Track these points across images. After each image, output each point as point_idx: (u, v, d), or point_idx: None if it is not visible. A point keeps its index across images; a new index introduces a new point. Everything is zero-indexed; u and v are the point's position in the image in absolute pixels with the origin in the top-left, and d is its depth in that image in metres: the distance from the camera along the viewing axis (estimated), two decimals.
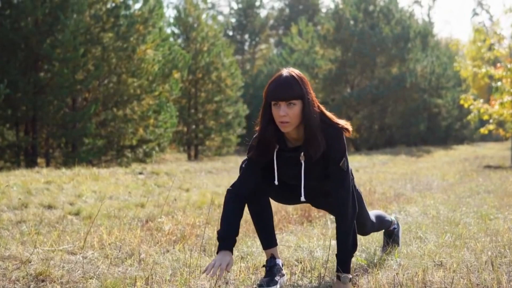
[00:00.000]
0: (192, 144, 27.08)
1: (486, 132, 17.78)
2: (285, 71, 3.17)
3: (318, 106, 3.23)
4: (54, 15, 17.16)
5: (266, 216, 3.45)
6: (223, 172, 13.57)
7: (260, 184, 3.35)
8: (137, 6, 19.71)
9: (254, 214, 3.49)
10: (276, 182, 3.29)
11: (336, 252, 3.25)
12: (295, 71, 3.17)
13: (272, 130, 3.19)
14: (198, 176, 12.37)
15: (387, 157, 20.15)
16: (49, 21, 17.21)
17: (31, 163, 16.57)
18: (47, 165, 17.27)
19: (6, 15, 17.21)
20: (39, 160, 18.38)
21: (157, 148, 20.24)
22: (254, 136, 3.33)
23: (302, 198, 3.32)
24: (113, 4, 18.75)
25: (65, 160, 17.41)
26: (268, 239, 3.48)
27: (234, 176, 11.95)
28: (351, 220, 3.23)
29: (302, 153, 3.21)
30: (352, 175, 3.40)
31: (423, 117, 33.80)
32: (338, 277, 3.18)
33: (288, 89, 3.08)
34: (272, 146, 3.24)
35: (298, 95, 3.10)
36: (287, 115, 3.07)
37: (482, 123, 24.61)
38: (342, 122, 3.26)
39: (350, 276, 3.17)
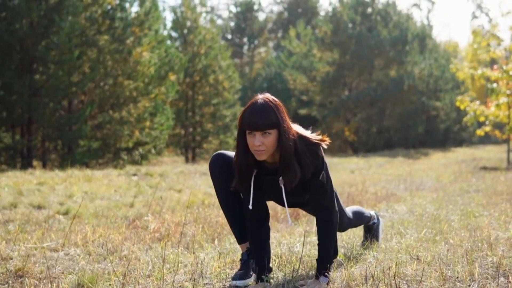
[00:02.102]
0: (190, 147, 27.11)
1: (483, 133, 17.78)
2: (260, 98, 3.06)
3: (293, 129, 3.14)
4: (49, 17, 17.21)
5: (238, 210, 3.44)
6: None
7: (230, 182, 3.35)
8: (134, 9, 19.79)
9: (227, 209, 3.50)
10: (250, 207, 3.25)
11: (316, 257, 3.26)
12: (270, 98, 3.07)
13: (249, 158, 3.14)
14: (192, 177, 12.34)
15: (384, 159, 20.16)
16: (44, 23, 17.25)
17: (27, 166, 16.58)
18: (43, 167, 17.28)
19: (1, 18, 17.25)
20: (35, 162, 18.40)
21: (153, 151, 20.26)
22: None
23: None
24: (109, 7, 18.78)
25: (61, 163, 17.41)
26: (242, 233, 3.48)
27: None
28: (335, 227, 3.27)
29: (281, 177, 3.17)
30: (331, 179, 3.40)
31: (421, 120, 33.80)
32: (317, 277, 3.20)
33: (263, 118, 2.98)
34: (250, 172, 3.21)
35: (273, 124, 3.00)
36: (262, 144, 3.01)
37: (480, 125, 24.58)
38: (317, 137, 3.20)
39: (328, 280, 3.18)
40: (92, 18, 18.24)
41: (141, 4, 19.49)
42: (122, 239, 4.63)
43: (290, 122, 3.12)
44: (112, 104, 19.16)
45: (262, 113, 2.99)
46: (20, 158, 17.98)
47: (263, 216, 3.40)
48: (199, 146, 27.31)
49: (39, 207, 6.87)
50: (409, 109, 32.41)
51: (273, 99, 3.07)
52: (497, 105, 16.45)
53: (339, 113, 31.38)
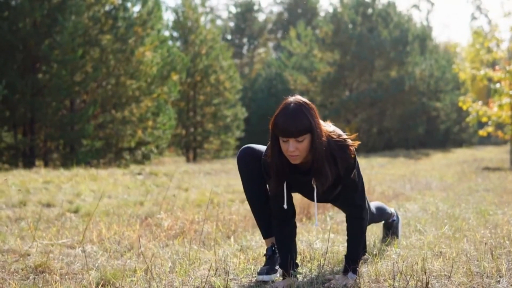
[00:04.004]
0: (191, 147, 27.08)
1: (485, 134, 17.80)
2: (292, 101, 2.97)
3: (325, 131, 3.08)
4: (52, 17, 17.18)
5: (266, 204, 3.42)
6: (221, 173, 13.58)
7: (261, 177, 3.34)
8: (136, 8, 19.76)
9: (254, 203, 3.47)
10: (285, 206, 3.23)
11: (345, 253, 3.27)
12: (301, 100, 2.98)
13: (284, 161, 3.10)
14: (197, 177, 12.36)
15: (385, 160, 20.16)
16: (47, 23, 17.23)
17: (29, 165, 16.54)
18: (46, 167, 17.23)
19: (4, 17, 17.21)
20: (37, 162, 18.35)
21: (155, 150, 20.23)
22: (264, 158, 3.26)
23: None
24: (112, 6, 18.78)
25: (64, 162, 17.40)
26: (268, 228, 3.46)
27: (233, 177, 11.96)
28: (365, 224, 3.29)
29: (313, 179, 3.14)
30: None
31: (422, 120, 33.83)
32: (345, 273, 3.18)
33: (297, 125, 2.90)
34: (285, 174, 3.17)
35: (307, 129, 2.93)
36: (296, 149, 2.95)
37: (481, 125, 24.57)
38: (346, 136, 3.16)
39: (356, 277, 3.17)
40: (95, 17, 18.22)
41: (144, 4, 19.47)
42: (137, 236, 4.62)
43: (322, 125, 3.06)
44: (114, 104, 19.14)
45: (296, 119, 2.92)
46: (22, 158, 17.94)
47: (291, 214, 3.37)
48: (200, 146, 27.28)
49: (48, 205, 6.89)
50: (410, 109, 32.45)
51: (305, 102, 2.99)
52: (500, 106, 16.46)
53: (340, 114, 31.36)
